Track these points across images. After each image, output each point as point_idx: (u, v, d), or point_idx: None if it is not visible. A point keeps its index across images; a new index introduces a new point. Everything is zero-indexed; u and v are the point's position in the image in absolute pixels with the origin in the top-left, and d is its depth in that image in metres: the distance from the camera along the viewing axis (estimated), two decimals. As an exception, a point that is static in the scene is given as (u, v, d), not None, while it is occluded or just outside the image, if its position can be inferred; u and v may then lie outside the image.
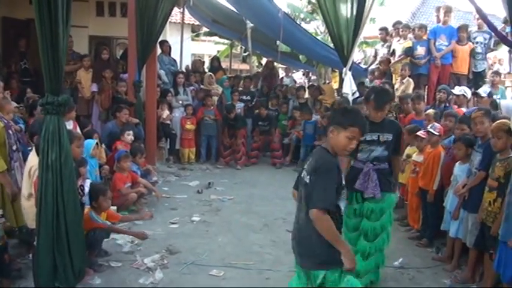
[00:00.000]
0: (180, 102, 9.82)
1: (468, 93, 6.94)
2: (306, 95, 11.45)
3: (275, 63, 14.22)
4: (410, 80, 8.92)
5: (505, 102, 6.75)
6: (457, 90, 7.21)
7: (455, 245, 4.95)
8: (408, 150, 6.33)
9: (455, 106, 7.00)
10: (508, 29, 7.69)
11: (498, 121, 4.19)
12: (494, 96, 7.79)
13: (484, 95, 6.69)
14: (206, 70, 12.43)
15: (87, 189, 4.87)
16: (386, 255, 5.21)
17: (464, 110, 6.57)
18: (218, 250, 5.35)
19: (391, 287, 4.57)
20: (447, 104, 7.54)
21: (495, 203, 4.07)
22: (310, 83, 13.58)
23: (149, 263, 4.86)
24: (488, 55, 9.84)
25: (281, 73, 15.10)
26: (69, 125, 6.52)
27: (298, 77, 19.67)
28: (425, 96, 8.89)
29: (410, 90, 8.64)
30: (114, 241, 5.26)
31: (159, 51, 9.85)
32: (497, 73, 8.95)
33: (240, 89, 11.37)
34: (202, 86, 10.62)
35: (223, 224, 6.24)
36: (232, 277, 4.66)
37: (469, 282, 4.60)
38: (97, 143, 6.31)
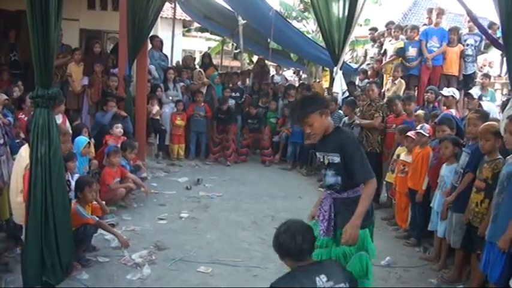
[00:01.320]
0: (170, 98, 9.79)
1: (457, 94, 6.99)
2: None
3: (266, 61, 14.22)
4: (402, 81, 8.98)
5: (487, 105, 6.82)
6: (446, 91, 7.26)
7: (443, 245, 5.00)
8: (398, 150, 6.37)
9: (444, 107, 7.05)
10: (498, 33, 7.76)
11: (486, 123, 4.22)
12: (484, 99, 7.87)
13: (475, 96, 6.75)
14: (197, 66, 12.40)
15: (73, 183, 4.84)
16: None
17: (453, 111, 6.62)
18: (206, 247, 5.35)
19: (378, 286, 4.59)
20: (436, 105, 7.61)
21: (482, 203, 4.11)
22: (301, 82, 13.58)
23: (137, 258, 4.84)
24: (478, 58, 9.92)
25: (272, 71, 15.11)
26: (59, 118, 6.47)
27: (289, 75, 19.70)
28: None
29: (401, 91, 8.70)
30: (102, 236, 5.24)
31: (149, 46, 9.80)
32: (486, 75, 9.05)
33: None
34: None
35: (212, 221, 6.24)
36: (220, 274, 4.66)
37: (456, 282, 4.64)
38: (88, 142, 6.27)
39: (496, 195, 3.78)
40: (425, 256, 5.32)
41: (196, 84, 10.32)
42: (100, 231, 4.98)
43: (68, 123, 6.66)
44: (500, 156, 4.07)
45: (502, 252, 3.61)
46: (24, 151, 3.89)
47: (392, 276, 4.83)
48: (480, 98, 7.18)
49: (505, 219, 3.61)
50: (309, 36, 15.04)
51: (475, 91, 7.15)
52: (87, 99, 8.77)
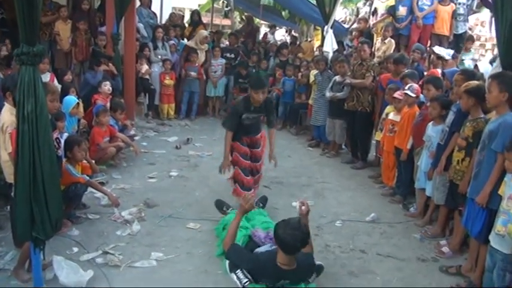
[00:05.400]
0: (159, 57, 9.67)
1: (445, 55, 6.97)
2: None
3: (257, 19, 14.03)
4: (392, 40, 8.94)
5: (483, 66, 6.84)
6: (438, 49, 7.26)
7: (431, 203, 5.12)
8: (387, 109, 6.41)
9: (432, 66, 7.06)
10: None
11: (464, 83, 4.27)
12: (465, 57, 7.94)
13: (448, 57, 6.78)
14: (186, 24, 12.22)
15: (63, 142, 4.86)
16: (359, 211, 5.41)
17: (439, 70, 6.63)
18: (195, 204, 5.45)
19: (363, 241, 4.73)
20: (421, 63, 7.61)
21: (463, 162, 4.19)
22: (293, 41, 13.45)
23: (127, 215, 4.93)
24: (470, 17, 9.87)
25: (265, 30, 14.93)
26: (46, 77, 6.43)
27: (281, 34, 19.48)
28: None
29: (391, 51, 8.67)
30: (92, 194, 5.29)
31: (138, 3, 9.63)
32: (471, 38, 9.11)
33: (223, 45, 11.24)
34: (185, 41, 10.45)
35: (201, 179, 6.31)
36: (208, 230, 4.76)
37: (439, 237, 4.79)
38: (78, 103, 6.24)
39: (478, 153, 3.86)
40: (410, 213, 5.45)
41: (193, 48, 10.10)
42: (90, 189, 5.04)
43: (56, 82, 6.61)
44: (482, 116, 4.13)
45: (482, 208, 3.72)
46: (3, 112, 3.87)
47: (376, 232, 4.97)
48: (454, 57, 7.23)
49: (485, 177, 3.71)
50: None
51: (447, 52, 7.14)
52: (73, 58, 8.66)
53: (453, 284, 3.95)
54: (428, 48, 8.76)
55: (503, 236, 3.37)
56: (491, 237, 3.53)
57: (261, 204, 5.18)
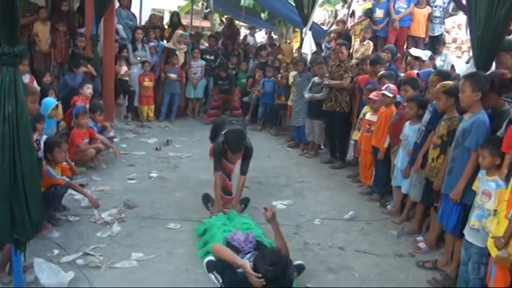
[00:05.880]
0: (138, 58, 9.64)
1: (422, 56, 7.09)
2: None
3: (236, 21, 14.08)
4: (371, 42, 9.06)
5: (459, 66, 6.99)
6: (414, 51, 7.39)
7: (407, 200, 5.22)
8: (364, 109, 6.51)
9: (409, 68, 7.19)
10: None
11: (439, 84, 4.39)
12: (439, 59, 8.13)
13: (425, 58, 6.93)
14: (165, 26, 12.19)
15: (42, 143, 4.84)
16: (338, 210, 5.50)
17: (415, 71, 6.75)
18: (175, 205, 5.47)
19: (341, 238, 4.81)
20: (393, 64, 7.75)
21: (438, 159, 4.31)
22: (273, 43, 13.53)
23: (107, 217, 4.93)
24: (447, 20, 10.07)
25: (245, 31, 14.98)
26: (26, 78, 6.39)
27: (261, 36, 19.56)
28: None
29: (369, 53, 8.79)
30: (72, 196, 5.27)
31: (117, 4, 9.59)
32: (443, 42, 9.34)
33: (203, 47, 11.26)
34: (164, 43, 10.46)
35: (181, 180, 6.33)
36: (189, 230, 4.79)
37: (415, 233, 4.90)
38: (57, 105, 6.21)
39: (452, 151, 3.98)
40: (387, 211, 5.55)
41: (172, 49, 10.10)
42: (70, 191, 5.02)
43: (35, 83, 6.57)
44: (457, 115, 4.25)
45: (456, 204, 3.83)
46: None
47: (354, 229, 5.06)
48: (432, 58, 7.39)
49: (459, 173, 3.83)
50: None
51: (425, 53, 7.29)
52: (52, 59, 8.59)
53: (429, 277, 4.04)
54: (405, 50, 8.92)
55: (477, 230, 3.49)
56: (466, 232, 3.64)
57: (243, 206, 5.23)
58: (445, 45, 10.06)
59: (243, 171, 5.18)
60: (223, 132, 5.07)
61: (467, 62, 7.16)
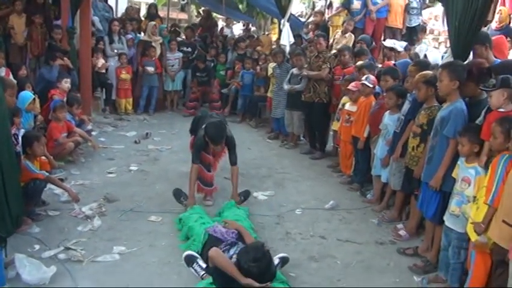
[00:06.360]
0: (115, 51, 9.52)
1: (398, 46, 7.17)
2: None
3: (214, 13, 13.98)
4: (352, 35, 9.08)
5: (432, 56, 7.08)
6: (388, 42, 7.45)
7: (387, 189, 5.29)
8: (343, 100, 6.55)
9: (386, 59, 7.26)
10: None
11: (418, 74, 4.44)
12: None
13: (400, 49, 7.01)
14: (142, 18, 12.05)
15: (20, 138, 4.77)
16: (319, 199, 5.55)
17: (392, 62, 6.83)
18: (156, 197, 5.44)
19: (322, 227, 4.86)
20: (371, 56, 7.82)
21: (418, 148, 4.36)
22: (250, 34, 13.49)
23: (87, 211, 4.89)
24: (425, 11, 10.16)
25: (222, 24, 14.90)
26: (1, 72, 6.27)
27: (239, 28, 19.48)
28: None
29: (351, 45, 8.82)
30: (51, 191, 5.22)
31: (93, -4, 9.45)
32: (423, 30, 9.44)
33: (180, 39, 11.16)
34: (142, 35, 10.34)
35: (161, 173, 6.30)
36: (170, 222, 4.78)
37: (396, 221, 4.97)
38: (34, 98, 6.09)
39: (431, 139, 4.04)
40: (367, 199, 5.62)
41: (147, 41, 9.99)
42: (49, 185, 4.97)
43: (11, 77, 6.44)
44: (436, 104, 4.30)
45: (436, 191, 3.90)
46: None
47: (335, 218, 5.11)
48: (407, 49, 7.47)
49: (438, 161, 3.89)
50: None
51: (400, 44, 7.37)
52: (28, 52, 8.42)
53: (411, 264, 4.11)
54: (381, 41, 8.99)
55: (457, 216, 3.57)
56: (445, 218, 3.72)
57: (242, 198, 5.23)
58: (426, 33, 10.14)
59: (233, 161, 5.18)
60: (203, 127, 5.05)
61: (444, 53, 7.26)
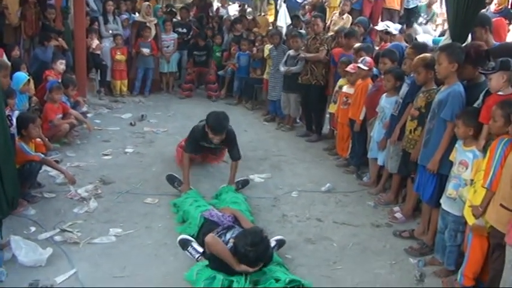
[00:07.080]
0: (110, 31, 9.40)
1: (392, 29, 7.08)
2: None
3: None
4: (350, 16, 9.00)
5: (424, 38, 7.04)
6: (381, 25, 7.37)
7: (383, 171, 5.28)
8: (340, 81, 6.52)
9: (383, 42, 7.19)
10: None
11: (417, 57, 4.40)
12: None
13: (395, 32, 6.95)
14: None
15: (14, 119, 4.73)
16: (315, 182, 5.54)
17: (388, 45, 6.77)
18: (152, 179, 5.43)
19: (319, 210, 4.87)
20: (366, 37, 7.75)
21: (415, 131, 4.35)
22: (243, 15, 13.32)
23: (83, 193, 4.88)
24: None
25: (217, 4, 14.71)
26: (-6, 52, 6.19)
27: (234, 9, 19.27)
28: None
29: (348, 26, 8.75)
30: (47, 173, 5.21)
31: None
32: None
33: (175, 20, 11.03)
34: (136, 16, 10.22)
35: (157, 155, 6.28)
36: (166, 204, 4.79)
37: (392, 204, 4.99)
38: (28, 79, 6.02)
39: (428, 122, 4.02)
40: (363, 182, 5.62)
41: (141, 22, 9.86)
42: (45, 167, 4.95)
43: (5, 57, 6.36)
44: (435, 87, 4.27)
45: (433, 174, 3.90)
46: None
47: (332, 201, 5.12)
48: (402, 31, 7.42)
49: (435, 144, 3.88)
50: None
51: (395, 26, 7.30)
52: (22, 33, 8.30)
53: (407, 246, 4.13)
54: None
55: (454, 199, 3.57)
56: (442, 201, 3.73)
57: (240, 186, 5.21)
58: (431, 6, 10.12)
59: (235, 157, 5.16)
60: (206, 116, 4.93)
61: (442, 35, 7.20)
